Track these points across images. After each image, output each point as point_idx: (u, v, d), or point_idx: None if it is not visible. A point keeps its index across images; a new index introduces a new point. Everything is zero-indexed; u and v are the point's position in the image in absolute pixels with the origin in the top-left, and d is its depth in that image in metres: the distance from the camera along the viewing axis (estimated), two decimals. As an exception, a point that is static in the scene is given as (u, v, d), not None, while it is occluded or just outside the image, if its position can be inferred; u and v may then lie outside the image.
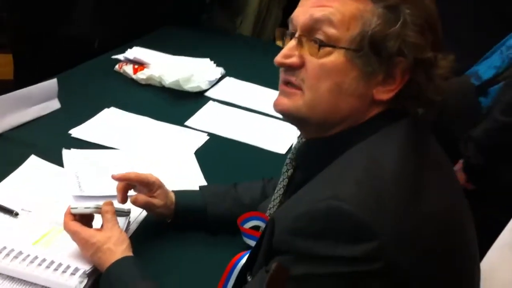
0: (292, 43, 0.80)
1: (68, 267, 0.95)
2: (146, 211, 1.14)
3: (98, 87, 1.75)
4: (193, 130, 1.58)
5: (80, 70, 1.85)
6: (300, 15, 0.80)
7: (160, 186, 1.11)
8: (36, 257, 0.95)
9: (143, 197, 1.10)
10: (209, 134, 1.57)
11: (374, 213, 0.66)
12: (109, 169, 1.31)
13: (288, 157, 0.92)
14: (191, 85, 1.77)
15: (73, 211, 1.00)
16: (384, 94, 0.77)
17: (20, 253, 0.96)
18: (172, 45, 2.06)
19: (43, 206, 1.13)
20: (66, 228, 0.99)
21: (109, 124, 1.53)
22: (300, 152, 0.88)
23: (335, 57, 0.76)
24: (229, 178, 1.26)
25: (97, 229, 1.00)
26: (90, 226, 1.02)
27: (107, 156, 1.37)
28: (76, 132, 1.45)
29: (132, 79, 1.82)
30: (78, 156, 1.33)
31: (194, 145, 1.50)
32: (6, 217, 1.08)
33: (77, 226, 0.98)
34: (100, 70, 1.86)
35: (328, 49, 0.76)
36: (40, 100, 1.51)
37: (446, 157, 0.83)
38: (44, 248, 1.00)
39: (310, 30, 0.78)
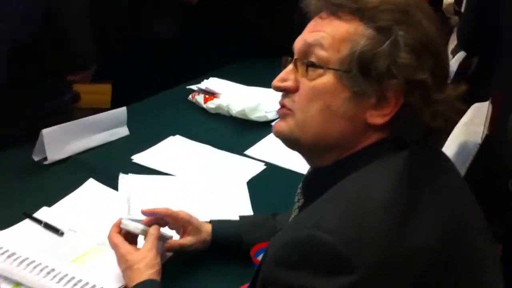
0: (289, 67, 0.82)
1: (94, 286, 0.99)
2: (182, 252, 1.14)
3: (168, 116, 1.83)
4: (251, 159, 1.58)
5: (156, 98, 1.95)
6: (297, 42, 0.82)
7: (190, 222, 1.12)
8: (66, 275, 1.01)
9: (175, 243, 1.12)
10: (266, 163, 1.57)
11: (355, 245, 0.64)
12: (160, 194, 1.36)
13: (299, 186, 0.89)
14: (257, 115, 1.78)
15: (122, 226, 1.06)
16: (378, 118, 0.75)
17: (53, 270, 1.01)
18: (246, 75, 2.10)
19: (89, 227, 1.19)
20: (109, 238, 1.04)
21: (171, 151, 1.59)
22: (305, 181, 0.87)
23: (325, 79, 0.76)
24: (277, 208, 1.24)
25: (136, 248, 1.04)
26: (133, 243, 1.06)
27: (161, 182, 1.42)
28: (138, 158, 1.52)
29: (202, 109, 1.88)
30: (133, 181, 1.39)
31: (249, 174, 1.51)
32: (53, 235, 1.15)
33: (118, 240, 1.03)
34: (175, 99, 1.95)
35: (319, 71, 0.77)
36: (109, 126, 1.61)
37: (462, 186, 0.79)
38: (78, 267, 1.05)
39: (304, 54, 0.80)
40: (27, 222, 1.19)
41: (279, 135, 0.83)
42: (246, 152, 1.62)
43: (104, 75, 3.15)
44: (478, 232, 0.79)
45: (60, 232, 1.15)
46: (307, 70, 0.78)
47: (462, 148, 1.29)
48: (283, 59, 0.87)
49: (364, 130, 0.76)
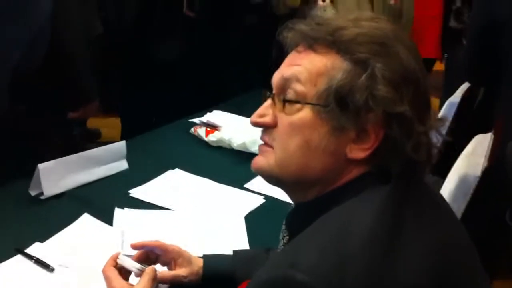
0: (267, 102, 0.80)
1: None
2: (176, 284, 1.11)
3: (169, 149, 1.83)
4: (250, 193, 1.56)
5: (158, 131, 1.95)
6: (275, 76, 0.81)
7: (180, 254, 1.10)
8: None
9: (168, 273, 1.10)
10: (266, 196, 1.54)
11: (333, 285, 0.61)
12: (156, 229, 1.35)
13: (283, 223, 0.87)
14: (258, 148, 1.76)
15: (119, 261, 1.04)
16: (358, 152, 0.73)
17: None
18: (250, 108, 2.09)
19: (80, 263, 1.17)
20: (104, 271, 1.03)
21: (169, 185, 1.57)
22: (288, 218, 0.85)
23: (303, 114, 0.75)
24: (275, 243, 1.21)
25: (130, 284, 1.02)
26: (126, 279, 1.04)
27: (157, 216, 1.40)
28: (135, 192, 1.50)
29: (204, 142, 1.87)
30: (128, 216, 1.38)
31: (247, 208, 1.48)
32: (44, 271, 1.14)
33: (112, 273, 1.02)
34: (177, 132, 1.94)
35: (296, 106, 0.76)
36: (108, 160, 1.60)
37: (450, 219, 0.77)
38: (66, 304, 1.03)
39: (282, 89, 0.78)
40: (18, 257, 1.17)
41: (258, 171, 0.81)
42: (246, 185, 1.60)
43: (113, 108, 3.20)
44: (469, 264, 0.75)
45: (50, 268, 1.14)
46: (284, 106, 0.77)
47: (463, 182, 1.26)
48: (263, 93, 0.85)
49: (345, 164, 0.75)
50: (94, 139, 3.44)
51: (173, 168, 1.66)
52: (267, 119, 0.79)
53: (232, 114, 2.03)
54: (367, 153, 0.73)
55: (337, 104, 0.72)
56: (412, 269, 0.66)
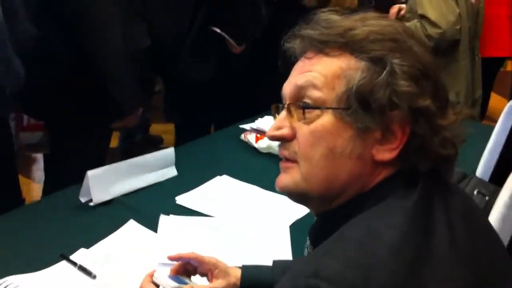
0: (282, 114, 0.76)
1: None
2: None
3: (219, 155, 1.82)
4: (297, 201, 1.52)
5: (209, 138, 1.96)
6: (286, 86, 0.77)
7: (217, 265, 1.08)
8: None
9: (204, 287, 1.07)
10: (314, 205, 1.50)
11: None
12: (199, 236, 1.34)
13: (307, 237, 0.83)
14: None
15: (154, 279, 1.03)
16: (385, 153, 0.70)
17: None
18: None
19: (123, 270, 1.19)
20: (141, 285, 1.01)
21: (215, 191, 1.57)
22: (311, 229, 0.81)
23: (324, 120, 0.71)
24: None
25: None
26: None
27: (200, 223, 1.40)
28: (181, 199, 1.51)
29: (254, 148, 1.85)
30: (173, 222, 1.38)
31: (292, 217, 1.45)
32: (86, 278, 1.15)
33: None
34: (227, 139, 1.94)
35: (316, 112, 0.72)
36: (157, 167, 1.62)
37: (484, 224, 0.73)
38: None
39: (297, 98, 0.74)
40: (63, 263, 1.20)
41: (284, 191, 0.76)
42: (293, 193, 1.56)
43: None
44: (503, 274, 0.70)
45: (92, 275, 1.15)
46: (303, 113, 0.72)
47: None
48: (272, 108, 0.81)
49: (373, 167, 0.71)
50: (156, 145, 3.51)
51: (221, 175, 1.66)
52: (285, 131, 0.75)
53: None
54: (394, 153, 0.70)
55: (360, 105, 0.69)
56: (442, 280, 0.62)
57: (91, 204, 1.44)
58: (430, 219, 0.66)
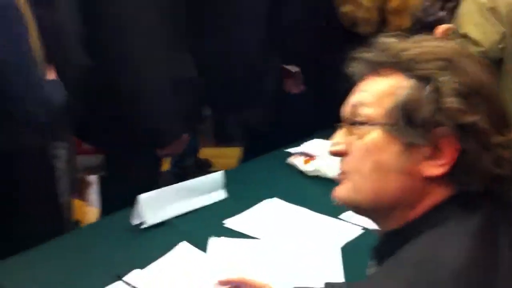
0: (340, 131, 0.81)
1: None
2: None
3: (266, 178, 1.83)
4: (347, 223, 1.52)
5: (256, 161, 1.98)
6: (344, 106, 0.82)
7: None
8: None
9: None
10: (364, 228, 1.49)
11: None
12: (248, 259, 1.35)
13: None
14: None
15: None
16: (433, 169, 0.71)
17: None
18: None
19: (175, 291, 1.21)
20: None
21: (264, 214, 1.58)
22: (374, 248, 0.82)
23: (373, 135, 0.75)
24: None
25: None
26: None
27: (250, 246, 1.40)
28: (231, 222, 1.52)
29: (301, 171, 1.86)
30: (223, 245, 1.40)
31: (344, 239, 1.44)
32: (140, 298, 1.18)
33: None
34: (274, 162, 1.95)
35: (365, 128, 0.76)
36: (207, 190, 1.65)
37: None
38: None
39: (351, 116, 0.79)
40: (119, 284, 1.23)
41: (338, 201, 0.81)
42: (342, 216, 1.56)
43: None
44: None
45: (146, 295, 1.18)
46: (354, 129, 0.78)
47: None
48: (335, 127, 0.85)
49: (423, 184, 0.73)
50: (205, 169, 3.55)
51: (269, 198, 1.67)
52: (341, 147, 0.80)
53: (329, 141, 2.00)
54: (442, 169, 0.71)
55: (406, 120, 0.72)
56: None
57: (143, 226, 1.48)
58: (493, 243, 0.66)
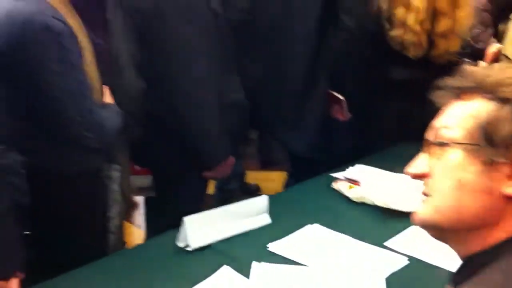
0: (421, 153, 0.85)
1: None
2: None
3: (310, 203, 1.83)
4: (392, 252, 1.49)
5: (300, 186, 1.97)
6: (427, 131, 0.85)
7: None
8: None
9: None
10: (410, 258, 1.46)
11: None
12: (290, 285, 1.34)
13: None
14: (401, 205, 1.69)
15: None
16: None
17: None
18: (394, 163, 2.02)
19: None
20: None
21: (307, 240, 1.57)
22: (454, 274, 0.83)
23: (454, 155, 0.78)
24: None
25: None
26: None
27: (292, 272, 1.40)
28: (274, 246, 1.52)
29: (345, 197, 1.84)
30: (265, 270, 1.40)
31: (389, 269, 1.41)
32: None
33: None
34: (318, 187, 1.94)
35: (447, 148, 0.79)
36: (251, 214, 1.65)
37: None
38: None
39: (434, 139, 0.83)
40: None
41: (418, 223, 0.83)
42: (387, 244, 1.53)
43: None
44: None
45: (188, 319, 1.19)
46: (436, 151, 0.80)
47: None
48: (419, 147, 0.87)
49: (504, 203, 0.75)
50: (252, 193, 3.55)
51: (312, 223, 1.66)
52: (422, 168, 0.82)
53: (374, 168, 1.98)
54: None
55: (486, 140, 0.75)
56: None
57: (188, 249, 1.50)
58: None
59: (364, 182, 1.84)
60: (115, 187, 1.71)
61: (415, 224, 0.84)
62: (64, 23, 1.47)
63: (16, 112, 1.53)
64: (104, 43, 1.77)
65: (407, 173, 0.85)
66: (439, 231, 0.81)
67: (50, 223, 1.55)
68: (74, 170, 1.57)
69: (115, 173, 1.72)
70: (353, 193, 1.82)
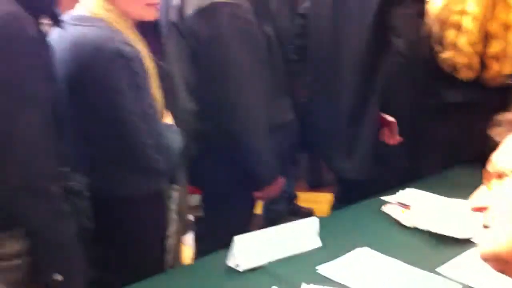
0: (482, 187, 0.84)
1: None
2: None
3: (360, 227, 1.81)
4: (444, 278, 1.46)
5: (350, 209, 1.97)
6: (488, 163, 0.85)
7: None
8: None
9: None
10: (464, 285, 1.43)
11: None
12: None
13: None
14: (454, 231, 1.66)
15: None
16: None
17: None
18: (451, 186, 1.99)
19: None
20: None
21: (357, 263, 1.56)
22: None
23: None
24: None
25: None
26: None
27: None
28: (323, 269, 1.52)
29: (396, 221, 1.82)
30: (315, 293, 1.40)
31: (441, 296, 1.39)
32: None
33: None
34: (368, 210, 1.93)
35: (507, 180, 0.78)
36: (301, 236, 1.66)
37: None
38: None
39: (495, 170, 0.82)
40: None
41: (483, 257, 0.81)
42: (439, 270, 1.50)
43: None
44: None
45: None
46: (498, 182, 0.80)
47: None
48: (483, 172, 0.87)
49: None
50: (303, 216, 3.53)
51: (362, 246, 1.65)
52: (483, 202, 0.82)
53: (426, 192, 1.95)
54: None
55: None
56: None
57: (238, 269, 1.52)
58: None
59: (416, 207, 1.81)
60: (173, 206, 1.76)
61: (482, 259, 0.82)
62: (133, 48, 1.53)
63: (85, 135, 1.60)
64: (164, 68, 1.83)
65: (470, 206, 0.85)
66: (502, 264, 0.79)
67: (110, 244, 1.60)
68: (138, 192, 1.62)
69: (175, 193, 1.76)
70: (405, 218, 1.79)
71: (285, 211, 3.52)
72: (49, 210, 1.29)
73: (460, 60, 2.10)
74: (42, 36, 1.37)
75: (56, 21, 1.42)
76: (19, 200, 1.26)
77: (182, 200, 1.86)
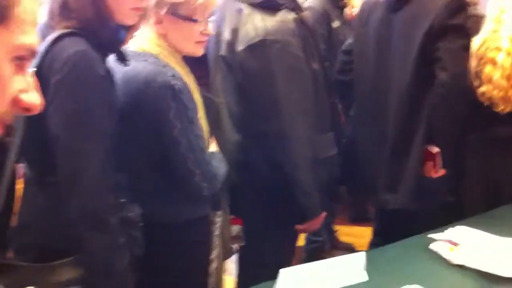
0: None
1: None
2: None
3: (407, 264, 1.78)
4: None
5: (397, 245, 1.93)
6: None
7: None
8: None
9: None
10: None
11: None
12: None
13: None
14: (505, 271, 1.61)
15: None
16: None
17: None
18: (502, 224, 1.94)
19: None
20: None
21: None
22: None
23: None
24: None
25: None
26: None
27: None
28: (370, 305, 1.50)
29: (445, 259, 1.78)
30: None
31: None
32: None
33: None
34: (416, 247, 1.89)
35: None
36: (348, 270, 1.64)
37: None
38: None
39: None
40: None
41: None
42: (492, 311, 1.46)
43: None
44: None
45: None
46: None
47: None
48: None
49: None
50: (342, 249, 3.50)
51: (411, 284, 1.61)
52: None
53: (476, 230, 1.90)
54: None
55: None
56: None
57: (283, 302, 1.51)
58: None
59: (466, 244, 1.77)
60: (216, 231, 1.78)
61: None
62: (182, 81, 1.58)
63: (138, 166, 1.64)
64: (209, 97, 1.88)
65: None
66: None
67: (156, 269, 1.62)
68: (185, 218, 1.65)
69: (218, 218, 1.79)
70: (454, 255, 1.75)
71: (327, 243, 3.48)
72: (107, 241, 1.32)
73: (496, 93, 2.13)
74: (108, 73, 1.43)
75: (122, 59, 1.48)
76: (78, 230, 1.29)
77: (224, 226, 1.88)
